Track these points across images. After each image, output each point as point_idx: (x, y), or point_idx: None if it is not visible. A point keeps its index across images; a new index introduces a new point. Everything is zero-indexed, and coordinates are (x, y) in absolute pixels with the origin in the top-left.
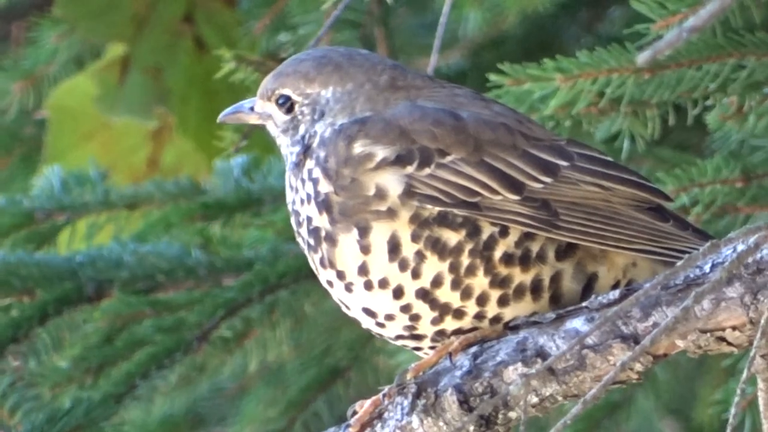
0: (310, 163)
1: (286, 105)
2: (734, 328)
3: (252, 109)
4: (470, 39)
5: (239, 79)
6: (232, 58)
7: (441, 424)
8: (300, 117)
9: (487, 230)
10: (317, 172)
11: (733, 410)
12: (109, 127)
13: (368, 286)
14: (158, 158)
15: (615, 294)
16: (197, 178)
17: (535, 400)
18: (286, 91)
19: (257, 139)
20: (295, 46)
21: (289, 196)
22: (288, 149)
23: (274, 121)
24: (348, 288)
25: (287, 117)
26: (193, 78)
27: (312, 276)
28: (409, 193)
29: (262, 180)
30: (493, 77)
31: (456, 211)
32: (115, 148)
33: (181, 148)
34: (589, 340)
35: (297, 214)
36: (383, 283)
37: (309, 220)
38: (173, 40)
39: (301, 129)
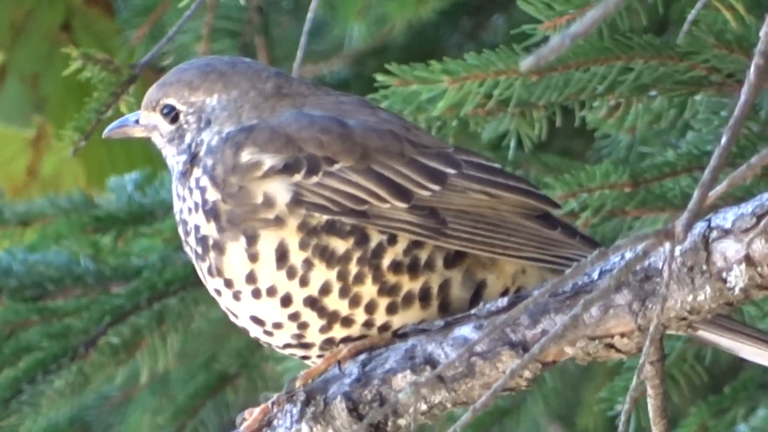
0: (197, 172)
1: (171, 114)
2: (623, 335)
3: (137, 122)
4: (353, 48)
5: (100, 81)
6: (79, 56)
7: (330, 431)
8: (185, 126)
9: (376, 238)
10: (205, 181)
11: (623, 417)
12: None
13: (256, 294)
14: (37, 167)
15: (504, 301)
16: (79, 187)
17: (424, 407)
18: (170, 101)
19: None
20: (173, 55)
21: (177, 205)
22: (174, 159)
23: (160, 132)
24: (236, 296)
25: (172, 127)
26: (71, 86)
27: (200, 284)
28: (297, 201)
29: (154, 194)
30: (380, 77)
31: (344, 219)
32: None
33: (60, 157)
34: (478, 348)
35: (185, 223)
36: (271, 291)
37: (197, 228)
38: (51, 47)
39: (187, 138)
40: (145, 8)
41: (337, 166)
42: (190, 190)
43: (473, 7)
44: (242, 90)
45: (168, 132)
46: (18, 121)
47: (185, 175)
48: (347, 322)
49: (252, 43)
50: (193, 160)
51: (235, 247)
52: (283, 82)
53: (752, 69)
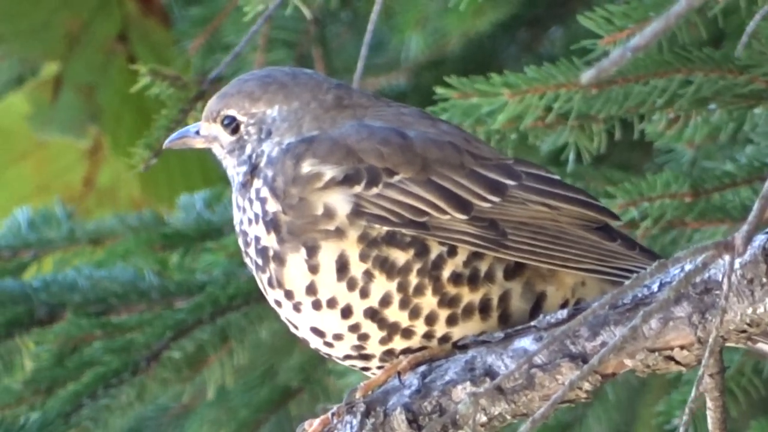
0: (257, 183)
1: (232, 126)
2: (682, 347)
3: (198, 132)
4: (411, 60)
5: (168, 97)
6: (147, 72)
7: None
8: (246, 137)
9: (436, 250)
10: (265, 192)
11: (681, 430)
12: (44, 146)
13: (317, 305)
14: (94, 178)
15: (563, 313)
16: (149, 208)
17: (483, 419)
18: (231, 112)
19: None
20: (230, 66)
21: (237, 216)
22: (234, 170)
23: (220, 143)
24: (296, 308)
25: (233, 138)
26: (126, 97)
27: (263, 299)
28: (357, 212)
29: (222, 211)
30: (439, 90)
31: (404, 230)
32: (50, 168)
33: (116, 168)
34: (538, 359)
35: (245, 234)
36: (332, 303)
37: (257, 239)
38: (106, 58)
39: (248, 149)
40: (202, 19)
41: (397, 178)
42: (251, 201)
43: (530, 20)
44: (303, 101)
45: (228, 143)
46: (73, 131)
47: (245, 186)
48: (407, 333)
49: (309, 55)
50: (253, 171)
51: (296, 259)
52: (344, 93)
53: None
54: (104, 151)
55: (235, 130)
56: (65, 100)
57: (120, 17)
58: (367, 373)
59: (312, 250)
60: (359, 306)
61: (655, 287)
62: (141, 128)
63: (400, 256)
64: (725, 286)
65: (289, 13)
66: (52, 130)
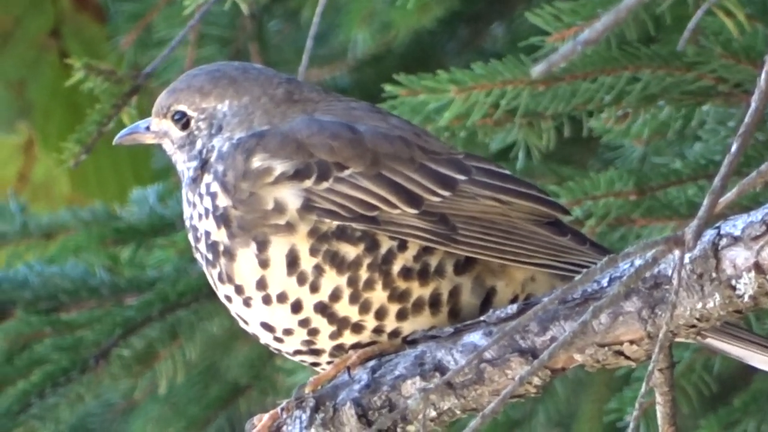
0: (207, 178)
1: (182, 121)
2: (632, 342)
3: (148, 128)
4: (357, 55)
5: (102, 92)
6: (82, 67)
7: None
8: (196, 132)
9: (386, 244)
10: (215, 186)
11: (631, 424)
12: None
13: (267, 300)
14: (28, 173)
15: (513, 308)
16: (102, 201)
17: (433, 414)
18: (182, 107)
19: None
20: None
21: (187, 211)
22: (185, 165)
23: (171, 138)
24: (246, 303)
25: (183, 133)
26: (57, 92)
27: (213, 295)
28: (307, 207)
29: (175, 206)
30: (388, 87)
31: (354, 225)
32: None
33: (49, 163)
34: (488, 354)
35: (195, 229)
36: (282, 298)
37: (207, 234)
38: (38, 53)
39: (198, 144)
40: (134, 14)
41: (347, 172)
42: (201, 196)
43: (471, 16)
44: (254, 96)
45: (179, 138)
46: (3, 127)
47: (195, 181)
48: (357, 328)
49: (246, 50)
50: (203, 166)
51: (246, 254)
52: (294, 88)
53: (763, 76)
54: (37, 146)
55: (185, 126)
56: None
57: (53, 13)
58: (317, 369)
59: (262, 245)
60: (309, 300)
61: (605, 282)
62: (71, 124)
63: (350, 251)
64: (675, 281)
65: (222, 9)
66: None
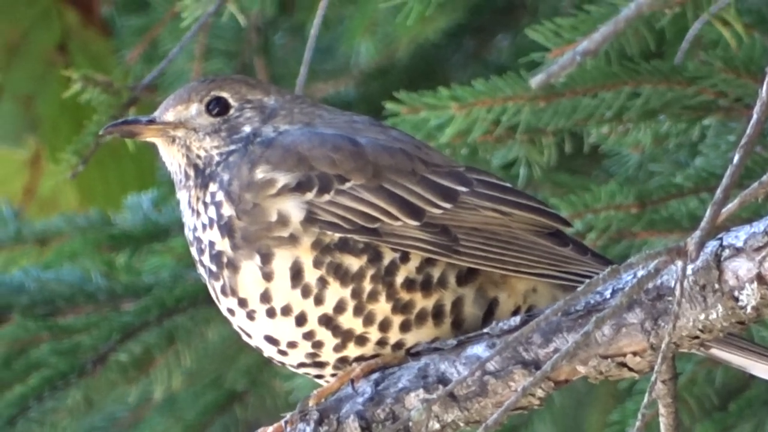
0: (213, 187)
1: (218, 107)
2: (635, 353)
3: (151, 121)
4: (361, 67)
5: (99, 103)
6: (80, 78)
7: None
8: (241, 119)
9: (389, 256)
10: (220, 195)
11: None
12: None
13: (271, 313)
14: (35, 187)
15: (516, 320)
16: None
17: (436, 426)
18: (224, 94)
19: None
20: (166, 75)
21: (190, 221)
22: (219, 150)
23: (192, 125)
24: (250, 316)
25: (215, 119)
26: (65, 106)
27: (210, 301)
28: (310, 219)
29: (170, 212)
30: (389, 105)
31: (356, 237)
32: None
33: (56, 177)
34: (491, 366)
35: (199, 241)
36: (286, 310)
37: (211, 245)
38: (46, 68)
39: (246, 128)
40: (140, 28)
41: (348, 185)
42: (205, 204)
43: (476, 28)
44: (287, 98)
45: (208, 124)
46: (11, 141)
47: (229, 158)
48: (361, 340)
49: (251, 64)
50: (247, 146)
51: (250, 266)
52: (299, 98)
53: (764, 88)
54: (44, 160)
55: (221, 113)
56: (4, 110)
57: (60, 27)
58: (321, 381)
59: (266, 257)
60: (314, 313)
61: (607, 293)
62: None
63: (353, 263)
64: (678, 292)
65: (229, 23)
66: None
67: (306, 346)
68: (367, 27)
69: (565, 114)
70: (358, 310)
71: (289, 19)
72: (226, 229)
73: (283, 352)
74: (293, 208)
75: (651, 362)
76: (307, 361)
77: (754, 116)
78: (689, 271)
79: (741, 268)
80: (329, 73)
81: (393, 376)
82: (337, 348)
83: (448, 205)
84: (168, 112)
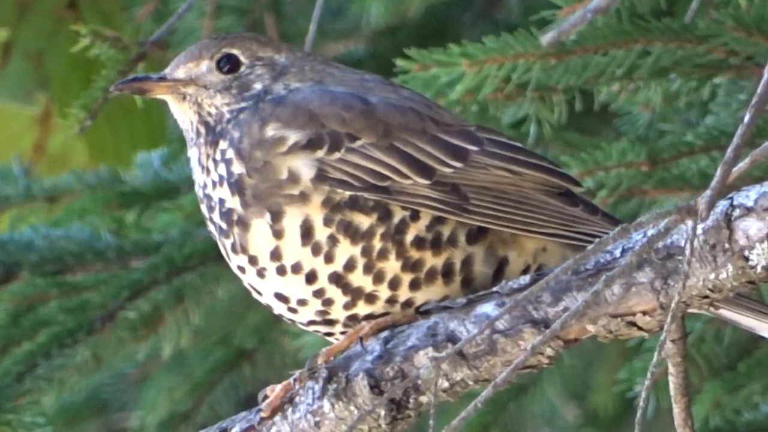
0: (223, 144)
1: (228, 65)
2: (645, 312)
3: (162, 78)
4: (371, 27)
5: (108, 58)
6: (88, 33)
7: (352, 408)
8: (252, 76)
9: (399, 214)
10: (231, 153)
11: (643, 394)
12: None
13: (281, 271)
14: (44, 144)
15: (526, 279)
16: (106, 165)
17: (445, 384)
18: (235, 51)
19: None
20: (177, 32)
21: (200, 178)
22: (229, 107)
23: (203, 82)
24: (260, 273)
25: (225, 76)
26: (75, 63)
27: (220, 259)
28: (320, 177)
29: (180, 170)
30: (399, 62)
31: (366, 195)
32: (1, 135)
33: (66, 135)
34: (500, 325)
35: (209, 198)
36: (296, 268)
37: (221, 202)
38: (56, 25)
39: (257, 85)
40: None
41: (359, 143)
42: (216, 162)
43: None
44: (298, 55)
45: (219, 81)
46: (21, 98)
47: (240, 114)
48: (371, 298)
49: (262, 21)
50: (258, 103)
51: (260, 224)
52: (309, 57)
53: None
54: (54, 117)
55: (231, 70)
56: (14, 67)
57: None
58: (330, 339)
59: (276, 215)
60: (324, 271)
61: (617, 253)
62: None
63: (363, 221)
64: (688, 252)
65: None
66: (1, 97)
67: (316, 304)
68: None
69: (575, 72)
70: (367, 268)
71: None
72: (237, 186)
73: (293, 310)
74: (304, 166)
75: (660, 322)
76: (317, 318)
77: (765, 75)
78: (699, 231)
79: (751, 227)
80: (340, 33)
81: (402, 335)
82: (347, 306)
83: (458, 164)
84: (179, 70)
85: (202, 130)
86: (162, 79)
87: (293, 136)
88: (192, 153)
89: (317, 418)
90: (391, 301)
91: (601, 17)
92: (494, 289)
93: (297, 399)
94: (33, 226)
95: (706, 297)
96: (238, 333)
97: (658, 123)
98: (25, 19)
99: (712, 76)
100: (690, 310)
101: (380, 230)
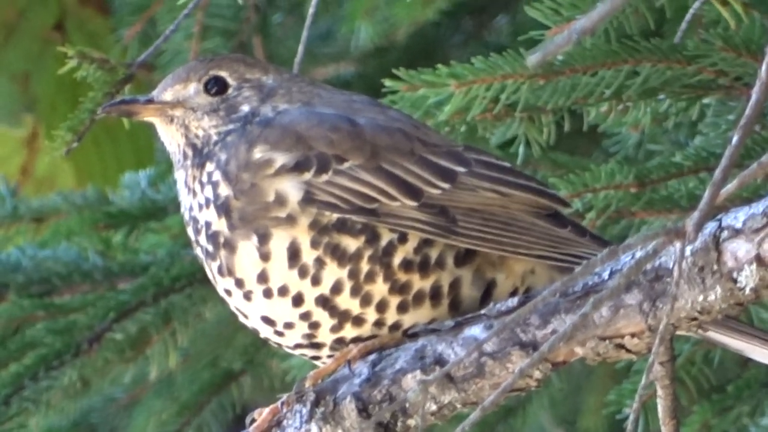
0: (210, 166)
1: (216, 87)
2: (633, 335)
3: (150, 101)
4: (360, 49)
5: (95, 80)
6: (75, 54)
7: (340, 431)
8: (239, 98)
9: (386, 236)
10: (217, 175)
11: (631, 417)
12: None
13: (267, 294)
14: (31, 166)
15: (514, 301)
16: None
17: (434, 407)
18: (222, 73)
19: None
20: (164, 55)
21: (186, 200)
22: (217, 129)
23: (190, 105)
24: (247, 296)
25: (213, 99)
26: (62, 85)
27: (207, 281)
28: (308, 199)
29: (167, 191)
30: (387, 83)
31: (354, 217)
32: None
33: (53, 157)
34: (488, 348)
35: (195, 221)
36: (283, 291)
37: (208, 225)
38: (43, 47)
39: (245, 107)
40: (138, 7)
41: (346, 165)
42: (202, 184)
43: (476, 8)
44: (286, 77)
45: (206, 104)
46: (8, 120)
47: (228, 137)
48: (358, 321)
49: (249, 43)
50: (246, 125)
51: (247, 246)
52: (296, 79)
53: (764, 68)
54: (41, 139)
55: (219, 92)
56: (1, 89)
57: (57, 6)
58: (317, 363)
59: (263, 238)
60: (311, 294)
61: (605, 275)
62: None
63: (351, 243)
64: (676, 274)
65: (227, 2)
66: None
67: (303, 327)
68: (366, 9)
69: (564, 92)
70: (355, 291)
71: None
72: (223, 208)
73: (279, 333)
74: (291, 188)
75: (649, 344)
76: (304, 342)
77: (754, 96)
78: (688, 253)
79: (740, 249)
80: (329, 57)
81: (390, 358)
82: (334, 329)
83: (446, 186)
84: (166, 92)
85: (189, 152)
86: (149, 101)
87: (280, 159)
88: (179, 175)
89: None
90: (378, 323)
91: (589, 38)
92: (482, 311)
93: (284, 422)
94: (20, 247)
95: (695, 319)
96: (226, 355)
97: (647, 143)
98: (11, 40)
99: (701, 97)
100: (678, 332)
101: (368, 253)
